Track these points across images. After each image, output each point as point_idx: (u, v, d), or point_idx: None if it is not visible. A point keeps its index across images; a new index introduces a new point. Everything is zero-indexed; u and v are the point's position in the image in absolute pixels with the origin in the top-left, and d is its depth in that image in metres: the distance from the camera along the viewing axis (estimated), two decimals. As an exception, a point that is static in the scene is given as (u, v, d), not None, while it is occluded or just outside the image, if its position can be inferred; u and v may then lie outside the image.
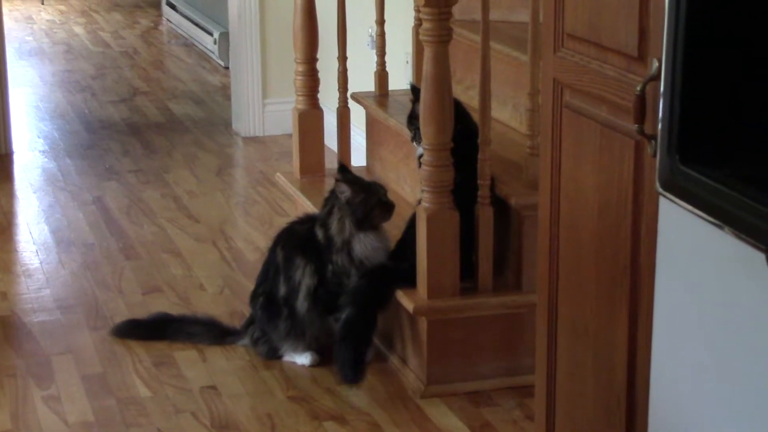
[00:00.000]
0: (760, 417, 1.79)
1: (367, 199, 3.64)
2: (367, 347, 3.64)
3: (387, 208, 3.69)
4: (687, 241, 1.94)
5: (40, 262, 4.58)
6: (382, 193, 3.70)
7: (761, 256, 1.64)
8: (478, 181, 3.52)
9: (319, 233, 3.68)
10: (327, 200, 3.71)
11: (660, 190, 1.93)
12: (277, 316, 3.71)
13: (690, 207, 1.85)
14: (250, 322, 3.82)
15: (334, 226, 3.64)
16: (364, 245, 3.63)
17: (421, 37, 3.46)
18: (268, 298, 3.73)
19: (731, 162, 1.81)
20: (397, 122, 4.17)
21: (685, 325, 1.98)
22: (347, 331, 3.57)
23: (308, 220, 3.78)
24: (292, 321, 3.69)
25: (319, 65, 4.45)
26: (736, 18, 1.80)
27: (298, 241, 3.72)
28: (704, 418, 1.95)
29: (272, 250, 3.78)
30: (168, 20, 9.28)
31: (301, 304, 3.67)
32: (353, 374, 3.58)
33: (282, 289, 3.70)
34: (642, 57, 2.17)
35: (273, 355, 3.75)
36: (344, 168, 3.77)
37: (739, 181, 1.74)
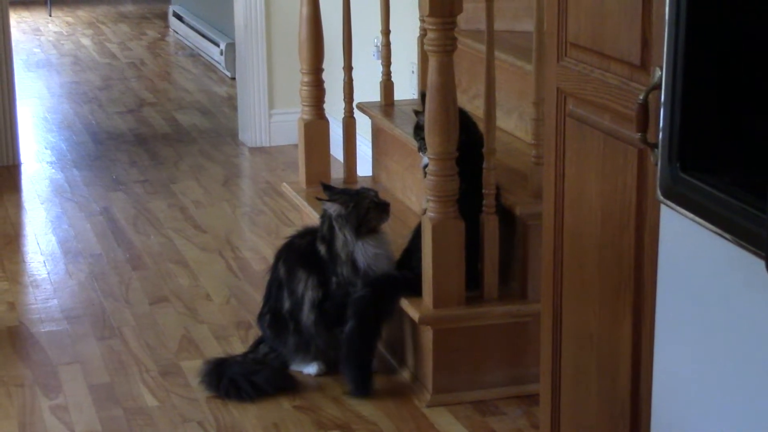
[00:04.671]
0: (762, 423, 1.79)
1: (358, 205, 3.64)
2: (371, 357, 3.64)
3: (381, 207, 3.69)
4: (688, 248, 1.95)
5: (48, 273, 4.59)
6: (373, 195, 3.71)
7: (761, 262, 1.64)
8: (483, 191, 3.53)
9: (322, 249, 3.68)
10: (322, 218, 3.71)
11: (661, 197, 1.94)
12: (284, 331, 3.71)
13: (690, 214, 1.86)
14: (259, 341, 3.82)
15: (337, 240, 3.65)
16: (366, 253, 3.63)
17: (425, 47, 3.47)
18: (274, 315, 3.73)
19: (731, 170, 1.81)
20: (403, 132, 4.18)
21: (687, 331, 1.99)
22: (350, 344, 3.58)
23: (308, 233, 3.79)
24: (298, 334, 3.69)
25: (324, 75, 4.47)
26: (736, 27, 1.81)
27: (298, 254, 3.72)
28: (706, 424, 1.96)
29: (274, 266, 3.78)
30: (175, 31, 9.31)
31: (307, 316, 3.68)
32: (362, 388, 3.59)
33: (286, 304, 3.71)
34: (644, 66, 2.17)
35: (283, 367, 3.75)
36: (328, 186, 3.78)
37: (739, 189, 1.75)
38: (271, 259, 3.94)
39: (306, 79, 4.45)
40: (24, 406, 3.58)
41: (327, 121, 4.53)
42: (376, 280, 3.63)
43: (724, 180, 1.79)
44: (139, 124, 6.72)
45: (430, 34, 3.42)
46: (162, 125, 6.70)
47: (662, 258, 2.06)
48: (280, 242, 3.91)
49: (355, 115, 4.49)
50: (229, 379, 3.59)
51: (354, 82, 4.46)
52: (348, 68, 4.44)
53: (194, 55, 8.52)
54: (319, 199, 3.72)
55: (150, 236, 4.96)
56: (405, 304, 3.58)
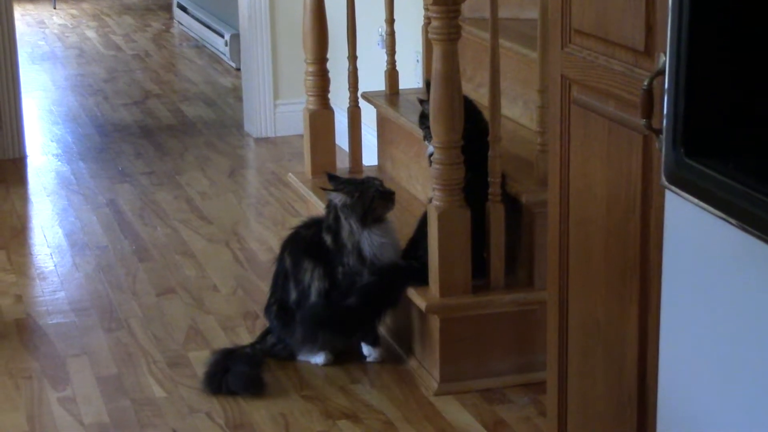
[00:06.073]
0: (769, 408, 1.79)
1: (363, 195, 3.64)
2: (352, 334, 3.71)
3: (386, 196, 3.69)
4: (693, 233, 1.95)
5: (55, 265, 4.60)
6: (378, 184, 3.71)
7: (766, 247, 1.64)
8: (489, 179, 3.52)
9: (328, 239, 3.68)
10: (328, 208, 3.72)
11: (665, 183, 1.93)
12: (291, 322, 3.71)
13: (695, 200, 1.86)
14: (267, 332, 3.82)
15: (342, 230, 3.65)
16: (371, 243, 3.63)
17: (429, 35, 3.47)
18: (281, 306, 3.74)
19: (736, 154, 1.81)
20: (408, 121, 4.18)
21: (693, 316, 1.99)
22: (343, 317, 3.63)
23: (313, 224, 3.79)
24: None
25: (329, 65, 4.46)
26: (739, 11, 1.81)
27: (304, 245, 3.73)
28: (713, 410, 1.95)
29: (280, 257, 3.79)
30: (179, 23, 9.30)
31: (313, 307, 3.69)
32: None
33: (293, 295, 3.71)
34: (649, 52, 2.17)
35: (290, 358, 3.76)
36: (333, 176, 3.78)
37: (743, 174, 1.75)
38: (277, 249, 3.94)
39: (310, 69, 4.44)
40: (32, 398, 3.58)
41: (332, 111, 4.52)
42: (383, 269, 3.63)
43: (729, 165, 1.79)
44: (145, 116, 6.72)
45: (434, 23, 3.41)
46: (167, 117, 6.70)
47: (667, 244, 2.06)
48: (286, 233, 3.91)
49: (360, 105, 4.49)
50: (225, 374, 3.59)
51: (359, 72, 4.46)
52: (352, 58, 4.43)
53: (199, 47, 8.52)
54: (325, 189, 3.72)
55: (156, 228, 4.96)
56: (412, 293, 3.58)
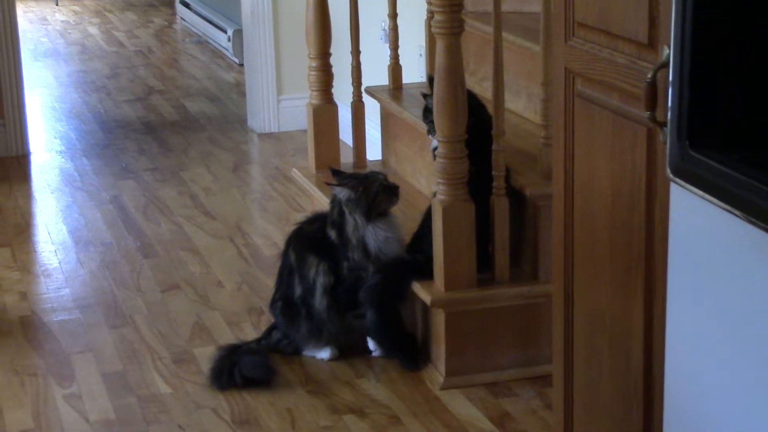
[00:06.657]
0: (775, 400, 1.79)
1: (367, 189, 3.64)
2: (405, 333, 3.68)
3: (390, 190, 3.69)
4: (699, 226, 1.95)
5: (59, 262, 4.60)
6: (382, 178, 3.71)
7: (772, 239, 1.64)
8: (493, 173, 3.52)
9: (332, 234, 3.68)
10: (332, 203, 3.72)
11: (670, 176, 1.93)
12: (296, 317, 3.71)
13: (700, 192, 1.85)
14: (272, 327, 3.82)
15: (347, 225, 3.65)
16: (376, 237, 3.63)
17: (432, 30, 3.47)
18: (286, 302, 3.74)
19: (741, 146, 1.81)
20: (412, 115, 4.17)
21: (699, 309, 1.99)
22: (379, 332, 3.64)
23: (317, 219, 3.79)
24: (311, 320, 3.69)
25: (332, 60, 4.46)
26: (744, 2, 1.80)
27: (308, 240, 3.73)
28: (719, 402, 1.95)
29: (284, 253, 3.79)
30: (182, 18, 9.30)
31: (319, 302, 3.68)
32: (413, 362, 3.65)
33: (298, 290, 3.71)
34: (652, 44, 2.17)
35: (296, 353, 3.76)
36: (336, 171, 3.77)
37: (748, 166, 1.74)
38: (281, 245, 3.94)
39: (314, 64, 4.44)
40: (38, 396, 3.58)
41: (335, 106, 4.52)
42: (387, 265, 3.63)
43: (734, 157, 1.78)
44: (148, 112, 6.72)
45: (437, 17, 3.41)
46: (170, 113, 6.70)
47: (673, 236, 2.06)
48: (291, 228, 3.91)
49: (363, 100, 4.49)
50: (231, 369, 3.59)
51: (362, 66, 4.46)
52: (355, 52, 4.43)
53: (202, 42, 8.52)
54: (329, 184, 3.72)
55: (160, 224, 4.96)
56: (417, 287, 3.58)
